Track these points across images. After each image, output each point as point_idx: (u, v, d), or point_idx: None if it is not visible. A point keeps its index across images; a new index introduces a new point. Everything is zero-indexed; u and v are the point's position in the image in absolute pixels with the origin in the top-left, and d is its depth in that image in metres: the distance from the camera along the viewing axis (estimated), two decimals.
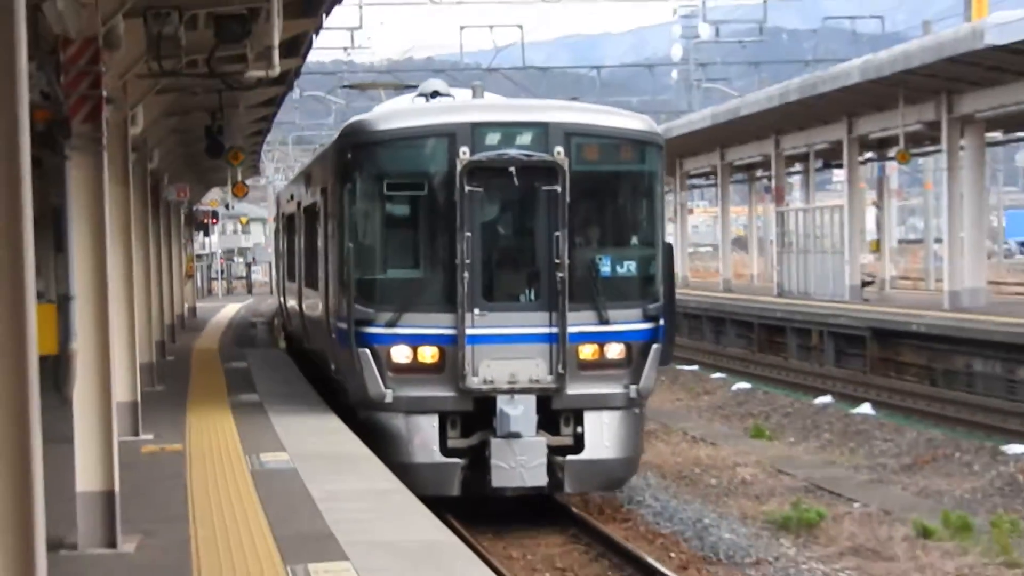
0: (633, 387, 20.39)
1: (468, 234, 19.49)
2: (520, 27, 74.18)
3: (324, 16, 21.63)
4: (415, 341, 19.95)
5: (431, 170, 20.48)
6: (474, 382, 19.62)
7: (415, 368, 20.07)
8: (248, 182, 55.26)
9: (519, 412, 19.07)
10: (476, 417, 19.90)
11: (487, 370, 19.66)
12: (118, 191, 18.26)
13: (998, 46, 37.35)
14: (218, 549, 13.38)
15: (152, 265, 30.56)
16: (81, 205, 13.91)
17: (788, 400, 37.38)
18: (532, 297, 20.29)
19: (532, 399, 19.52)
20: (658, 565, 18.22)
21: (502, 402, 19.32)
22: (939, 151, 51.62)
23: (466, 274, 19.55)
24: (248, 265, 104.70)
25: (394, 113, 23.07)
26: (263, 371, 31.68)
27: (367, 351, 19.80)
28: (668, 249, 21.48)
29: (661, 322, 20.81)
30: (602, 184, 21.28)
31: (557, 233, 19.69)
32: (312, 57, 30.44)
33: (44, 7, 12.44)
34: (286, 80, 27.86)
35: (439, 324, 19.79)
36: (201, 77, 21.43)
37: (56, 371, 15.45)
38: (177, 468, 18.13)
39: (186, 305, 54.60)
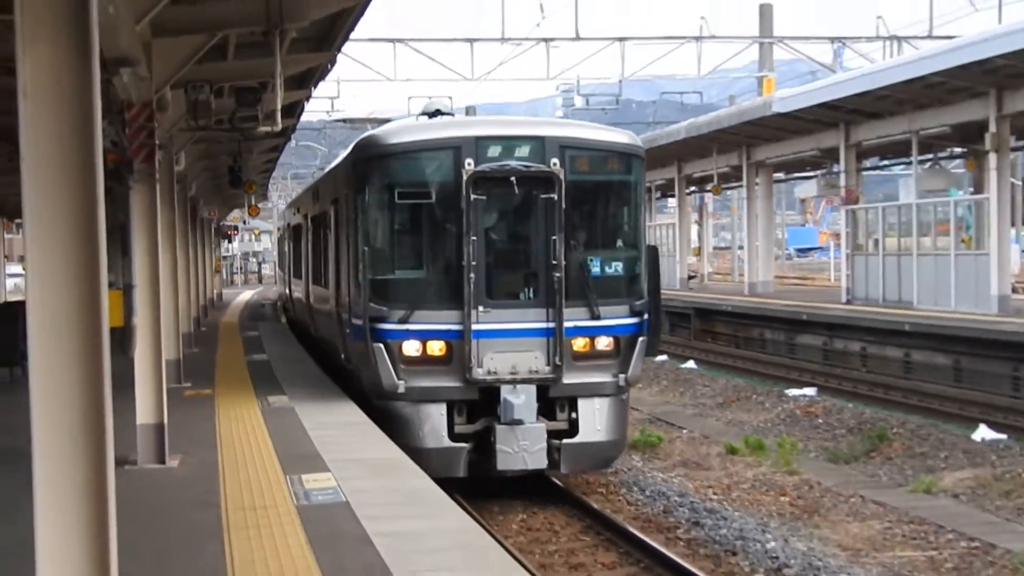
0: (622, 376, 17.34)
1: (473, 238, 16.57)
2: (450, 97, 73.94)
3: (313, 89, 21.49)
4: (425, 336, 16.81)
5: (438, 180, 17.22)
6: (479, 373, 16.62)
7: (425, 360, 16.85)
8: (259, 205, 54.75)
9: (521, 401, 16.28)
10: (481, 405, 16.85)
11: (491, 362, 16.71)
12: (166, 211, 18.15)
13: (781, 113, 37.62)
14: (237, 465, 13.33)
15: (190, 263, 30.37)
16: (140, 221, 13.96)
17: None
18: (531, 295, 17.23)
19: (532, 388, 16.61)
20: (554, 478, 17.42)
21: (505, 391, 16.45)
22: (741, 186, 51.84)
23: (472, 275, 16.57)
24: (259, 263, 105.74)
25: (404, 128, 19.30)
26: (270, 339, 31.46)
27: (381, 346, 16.64)
28: (653, 251, 18.37)
29: (646, 317, 17.75)
30: (592, 192, 18.15)
31: (554, 237, 16.82)
32: (304, 117, 30.20)
33: (114, 80, 12.40)
34: (286, 133, 27.74)
35: (446, 320, 16.72)
36: (225, 131, 21.17)
37: (122, 338, 15.33)
38: (208, 408, 17.99)
39: (215, 292, 54.35)
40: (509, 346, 16.77)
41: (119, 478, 5.68)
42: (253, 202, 47.73)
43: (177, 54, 14.11)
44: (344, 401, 18.47)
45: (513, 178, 16.77)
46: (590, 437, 17.06)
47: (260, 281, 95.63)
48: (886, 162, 49.28)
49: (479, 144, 16.83)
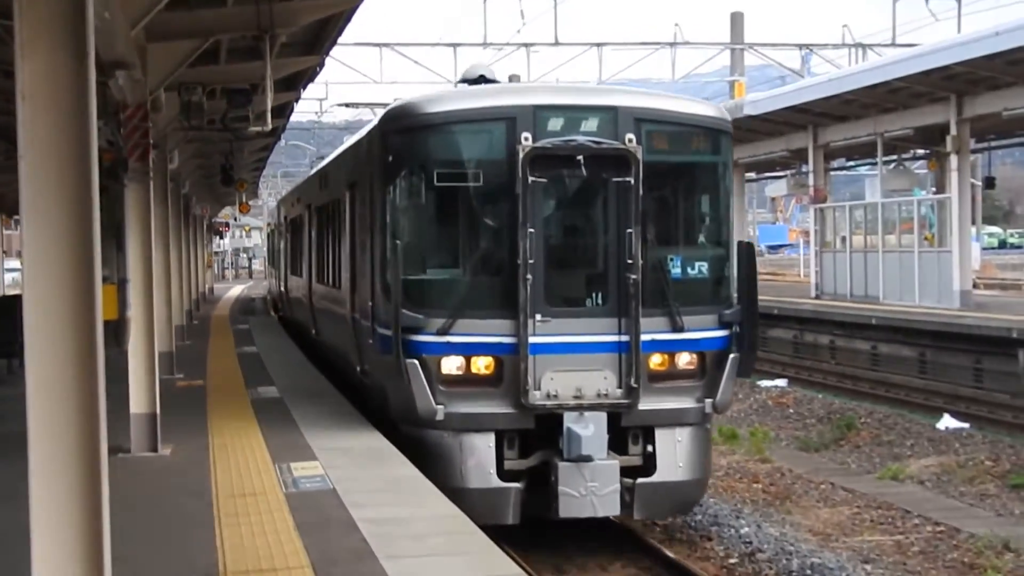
0: (708, 401, 13.46)
1: (531, 230, 12.82)
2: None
3: (302, 90, 21.49)
4: (469, 351, 13.04)
5: (488, 158, 13.32)
6: (537, 397, 12.87)
7: (469, 380, 13.14)
8: (250, 202, 54.73)
9: (590, 432, 12.55)
10: (536, 435, 13.10)
11: (550, 383, 12.93)
12: (160, 209, 18.07)
13: (752, 116, 37.65)
14: (227, 453, 13.30)
15: (183, 258, 30.26)
16: (134, 218, 13.92)
17: None
18: (599, 302, 13.30)
19: (603, 417, 12.81)
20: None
21: (570, 420, 12.68)
22: None
23: (529, 276, 12.80)
24: (250, 259, 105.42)
25: (446, 95, 14.81)
26: (260, 332, 31.37)
27: (415, 362, 12.85)
28: (748, 248, 13.99)
29: (737, 329, 13.78)
30: (673, 176, 14.12)
31: (629, 230, 13.01)
32: (293, 118, 30.16)
33: (110, 82, 12.40)
34: (276, 133, 27.71)
35: (496, 332, 12.96)
36: (217, 131, 21.23)
37: (116, 331, 15.39)
38: (200, 398, 17.95)
39: (207, 286, 54.25)
40: (573, 363, 13.08)
41: (113, 466, 5.68)
42: (244, 199, 47.91)
43: (171, 58, 14.12)
44: (329, 389, 18.43)
45: (580, 157, 13.04)
46: (670, 476, 13.31)
47: (251, 276, 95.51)
48: (852, 163, 49.41)
49: (538, 115, 13.12)
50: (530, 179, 12.90)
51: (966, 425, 22.13)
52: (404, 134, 13.72)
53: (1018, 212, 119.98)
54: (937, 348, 28.98)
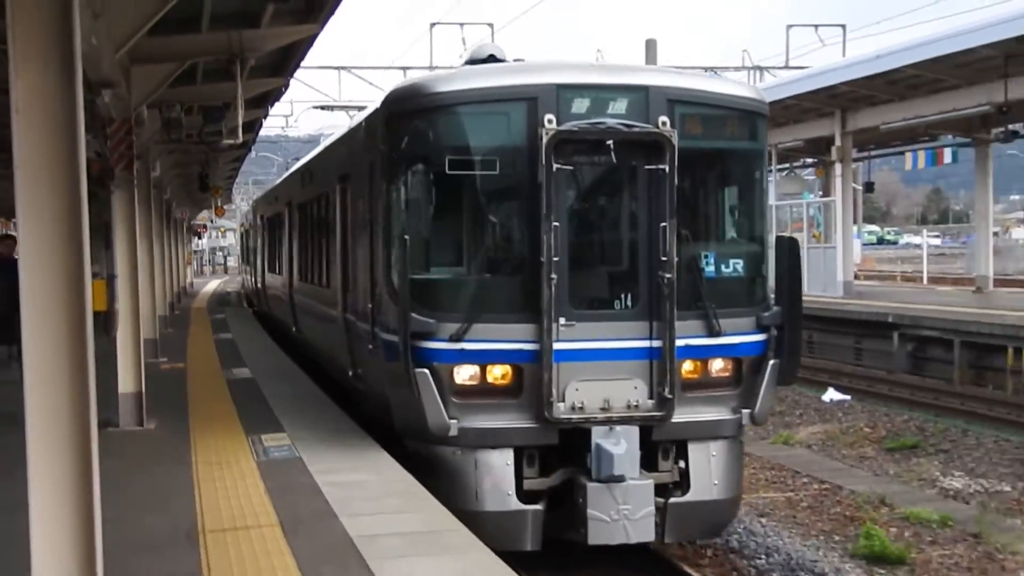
0: (745, 412, 10.89)
1: (556, 224, 10.20)
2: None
3: (269, 108, 21.32)
4: (485, 358, 10.46)
5: (506, 143, 10.61)
6: (561, 410, 10.31)
7: (484, 391, 10.52)
8: (224, 206, 54.35)
9: (622, 450, 10.10)
10: (558, 450, 10.59)
11: (575, 394, 10.38)
12: (144, 212, 17.90)
13: None
14: (205, 426, 13.23)
15: (165, 256, 30.03)
16: (121, 220, 13.81)
17: None
18: (628, 303, 10.69)
19: (635, 432, 10.36)
20: None
21: (599, 436, 10.24)
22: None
23: (554, 275, 10.22)
24: (225, 257, 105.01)
25: (458, 73, 11.81)
26: (235, 321, 31.17)
27: (426, 372, 10.26)
28: (791, 244, 11.25)
29: (776, 332, 11.08)
30: (707, 164, 11.35)
31: (663, 224, 10.37)
32: (262, 132, 30.01)
33: (98, 100, 12.31)
34: (247, 146, 27.62)
35: (514, 337, 10.38)
36: (195, 143, 21.08)
37: (105, 321, 15.23)
38: (181, 379, 17.82)
39: (187, 281, 53.84)
40: (600, 372, 10.50)
41: (103, 438, 5.63)
42: (219, 204, 47.54)
43: (152, 78, 14.02)
44: (295, 371, 18.34)
45: (610, 142, 10.35)
46: (704, 494, 10.79)
47: (226, 272, 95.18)
48: None
49: (561, 95, 10.42)
50: (555, 166, 10.24)
51: (848, 397, 22.47)
52: (411, 117, 10.87)
53: (894, 212, 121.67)
54: (823, 331, 29.32)
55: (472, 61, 12.52)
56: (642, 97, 10.61)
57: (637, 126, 10.49)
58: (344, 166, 14.21)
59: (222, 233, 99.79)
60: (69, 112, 5.36)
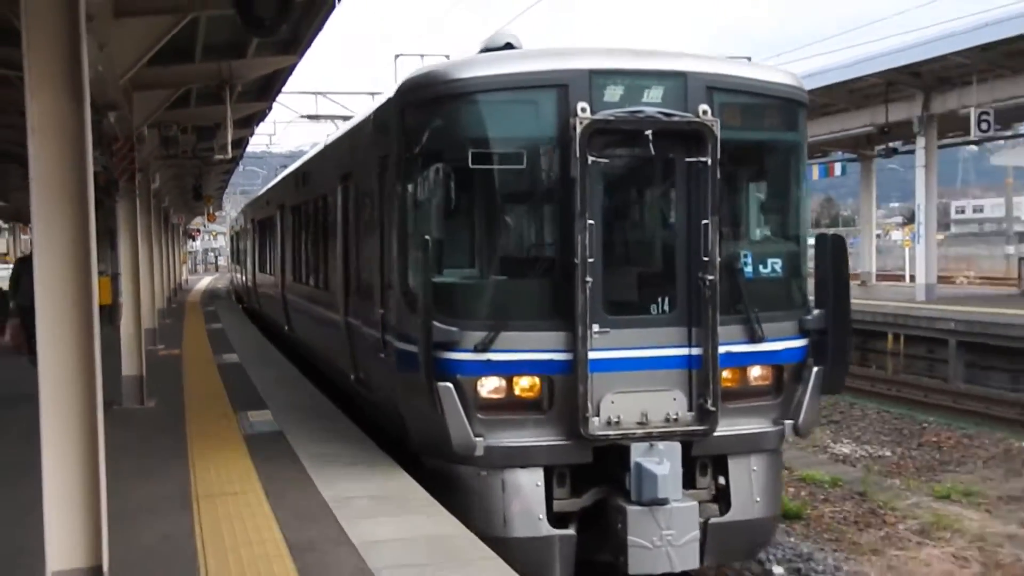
0: (788, 423, 8.88)
1: (590, 222, 8.24)
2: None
3: (255, 127, 21.24)
4: (512, 370, 8.40)
5: (534, 134, 8.58)
6: (596, 424, 8.29)
7: (512, 405, 8.49)
8: (216, 213, 53.92)
9: (666, 470, 8.14)
10: (589, 468, 8.55)
11: (611, 407, 8.38)
12: (144, 218, 17.73)
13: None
14: (198, 404, 13.17)
15: (163, 256, 29.80)
16: (124, 225, 13.77)
17: None
18: (666, 307, 8.65)
19: (677, 448, 8.38)
20: None
21: (638, 454, 8.30)
22: None
23: (588, 277, 8.23)
24: (216, 257, 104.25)
25: (479, 58, 9.17)
26: (224, 313, 30.94)
27: (450, 386, 8.18)
28: (837, 242, 9.14)
29: (817, 337, 9.05)
30: (746, 157, 9.20)
31: (704, 221, 8.44)
32: (248, 149, 29.85)
33: (104, 120, 12.25)
34: (235, 160, 27.56)
35: (543, 346, 8.34)
36: (189, 158, 20.95)
37: (110, 313, 15.09)
38: (177, 364, 17.69)
39: (182, 278, 53.42)
40: (637, 383, 8.42)
41: (108, 416, 5.60)
42: (211, 211, 47.10)
43: (152, 102, 13.96)
44: (277, 358, 18.24)
45: (648, 132, 8.27)
46: (745, 513, 8.71)
47: (217, 270, 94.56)
48: None
49: (594, 81, 8.33)
50: (589, 159, 8.20)
51: None
52: (429, 106, 8.69)
53: None
54: None
55: (488, 50, 9.68)
56: (680, 84, 8.50)
57: (677, 115, 8.39)
58: (345, 165, 12.05)
59: (214, 236, 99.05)
60: (78, 131, 5.33)
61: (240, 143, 22.89)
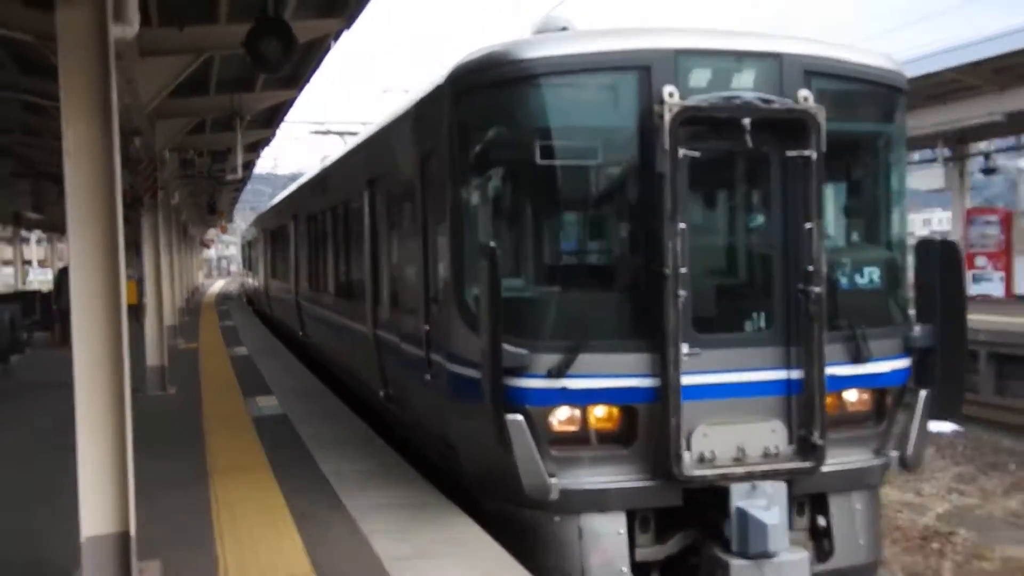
0: (894, 453, 6.60)
1: (682, 226, 5.82)
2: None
3: (261, 151, 21.21)
4: (590, 398, 5.95)
5: (614, 123, 6.12)
6: (690, 463, 5.95)
7: (589, 440, 6.09)
8: (227, 225, 53.66)
9: (776, 519, 5.78)
10: (679, 510, 6.18)
11: (704, 441, 6.01)
12: (165, 230, 17.67)
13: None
14: (213, 390, 13.09)
15: (182, 263, 29.60)
16: (148, 236, 13.75)
17: None
18: (761, 324, 6.25)
19: (782, 490, 6.01)
20: None
21: (740, 496, 5.94)
22: None
23: (681, 291, 5.85)
24: (228, 264, 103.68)
25: (547, 38, 6.39)
26: (236, 312, 30.78)
27: (520, 420, 5.74)
28: (950, 250, 6.51)
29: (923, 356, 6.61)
30: (843, 151, 6.52)
31: (808, 225, 6.07)
32: (256, 170, 29.76)
33: (130, 145, 12.18)
34: (245, 180, 27.53)
35: (625, 370, 5.89)
36: (205, 178, 20.86)
37: (136, 312, 14.93)
38: (195, 356, 17.57)
39: (198, 281, 53.07)
40: (731, 412, 6.36)
41: (134, 401, 5.56)
42: (224, 223, 46.85)
43: (172, 129, 13.93)
44: (285, 352, 18.14)
45: (747, 121, 6.19)
46: (850, 558, 6.62)
47: (228, 274, 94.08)
48: None
49: (680, 63, 6.26)
50: (680, 152, 6.09)
51: None
52: (490, 92, 6.49)
53: None
54: None
55: (543, 32, 7.48)
56: (774, 67, 6.37)
57: (778, 101, 6.27)
58: (374, 169, 9.81)
59: (226, 246, 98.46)
60: (107, 155, 5.31)
61: (249, 165, 22.82)
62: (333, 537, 6.38)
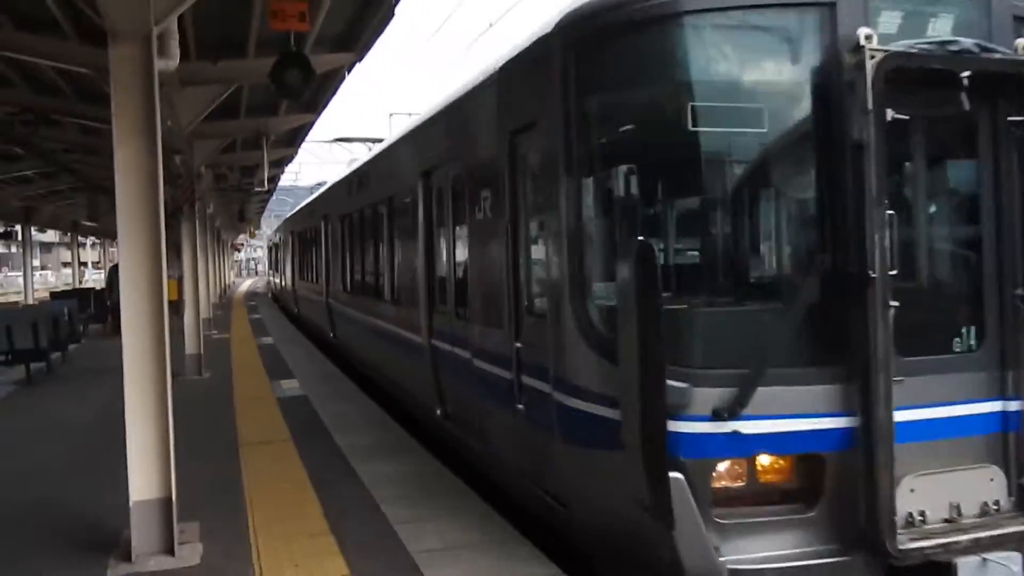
0: None
1: (890, 212, 3.07)
2: None
3: (285, 167, 21.12)
4: (765, 446, 3.16)
5: (788, 79, 3.30)
6: (907, 538, 3.07)
7: (757, 498, 3.26)
8: (256, 231, 53.56)
9: None
10: None
11: (911, 499, 3.26)
12: (201, 235, 17.58)
13: None
14: (243, 374, 13.05)
15: (216, 264, 29.51)
16: (187, 240, 13.74)
17: None
18: (972, 342, 3.53)
19: (1018, 563, 3.09)
20: None
21: (968, 574, 3.06)
22: None
23: (886, 299, 3.14)
24: (256, 264, 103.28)
25: None
26: (263, 306, 30.65)
27: (682, 479, 3.15)
28: None
29: None
30: None
31: None
32: (280, 183, 29.71)
33: (171, 162, 12.13)
34: (270, 192, 27.45)
35: (810, 408, 3.12)
36: (235, 191, 20.82)
37: (176, 307, 14.89)
38: (227, 346, 17.50)
39: (230, 280, 52.91)
40: (938, 457, 3.87)
41: (174, 384, 5.57)
42: (252, 230, 46.80)
43: (207, 148, 13.86)
44: (305, 342, 18.06)
45: (965, 75, 3.69)
46: None
47: (256, 274, 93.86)
48: None
49: (870, 2, 3.79)
50: (888, 115, 3.84)
51: None
52: (621, 39, 4.17)
53: None
54: None
55: None
56: (980, 11, 4.25)
57: (1000, 51, 4.12)
58: (430, 158, 7.37)
59: (254, 249, 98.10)
60: (152, 171, 5.32)
61: (274, 179, 22.76)
62: (346, 502, 6.38)
